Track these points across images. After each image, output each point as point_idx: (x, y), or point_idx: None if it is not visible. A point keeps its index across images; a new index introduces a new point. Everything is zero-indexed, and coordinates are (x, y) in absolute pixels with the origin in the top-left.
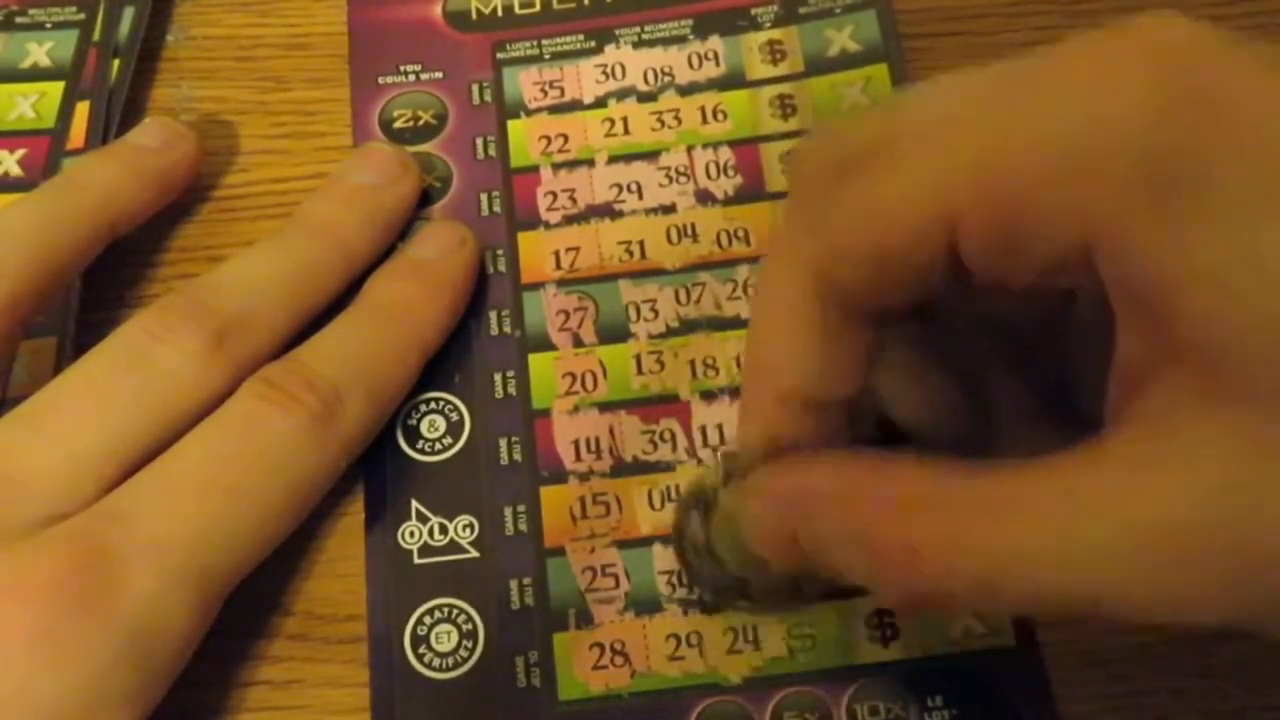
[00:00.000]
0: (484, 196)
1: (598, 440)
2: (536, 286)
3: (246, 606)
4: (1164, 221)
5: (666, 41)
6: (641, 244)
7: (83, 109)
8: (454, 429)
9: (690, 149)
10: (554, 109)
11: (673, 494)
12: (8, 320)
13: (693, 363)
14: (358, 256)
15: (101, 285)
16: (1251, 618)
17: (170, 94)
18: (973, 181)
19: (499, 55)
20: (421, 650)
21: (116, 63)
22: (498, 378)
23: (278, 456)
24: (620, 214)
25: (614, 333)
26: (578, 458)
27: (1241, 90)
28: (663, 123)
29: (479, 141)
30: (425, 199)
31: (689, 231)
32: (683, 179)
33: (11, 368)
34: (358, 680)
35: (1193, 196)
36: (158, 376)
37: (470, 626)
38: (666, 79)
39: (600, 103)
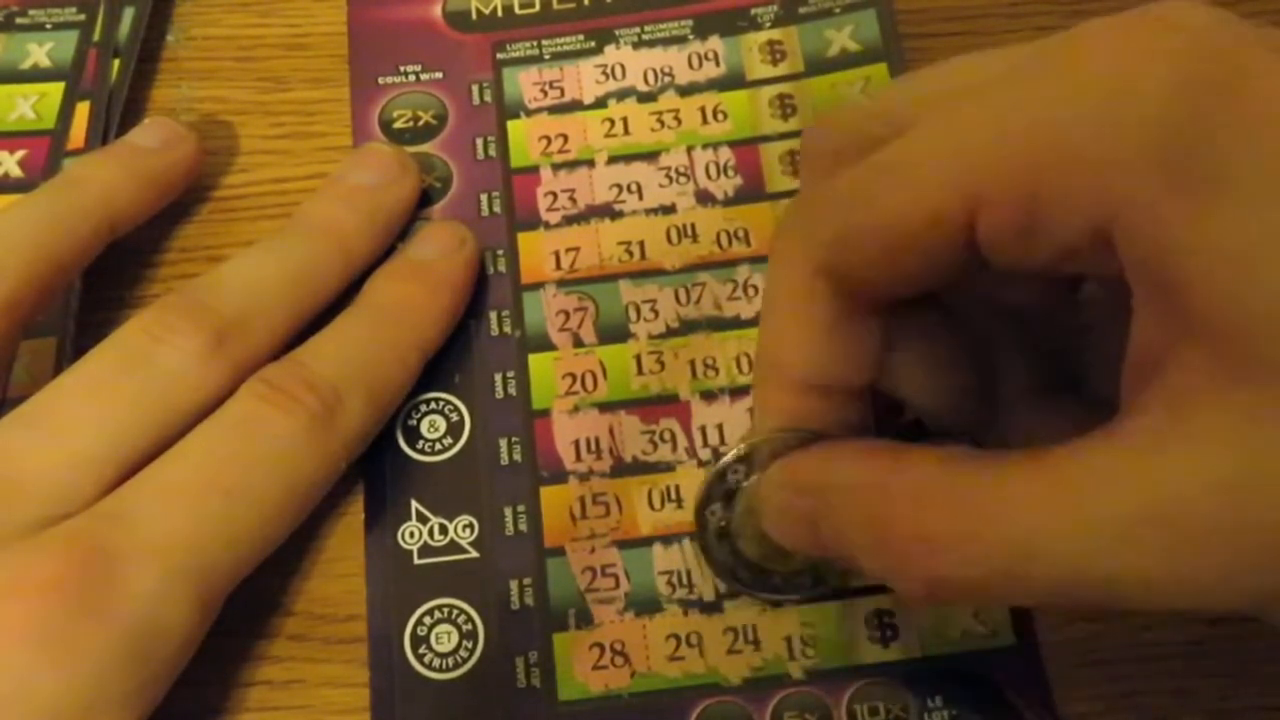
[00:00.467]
0: (484, 197)
1: (598, 440)
2: (536, 287)
3: (246, 606)
4: (1183, 202)
5: (666, 42)
6: (641, 244)
7: (83, 109)
8: (454, 429)
9: (690, 149)
10: (554, 109)
11: (673, 494)
12: (7, 320)
13: (693, 363)
14: (358, 256)
15: (101, 286)
16: (1267, 601)
17: (170, 94)
18: (992, 164)
19: (499, 55)
20: (421, 650)
21: (116, 63)
22: (498, 378)
23: (278, 457)
24: (620, 214)
25: (614, 333)
26: (578, 458)
27: (1261, 74)
28: (663, 123)
29: (479, 142)
30: (425, 199)
31: (689, 232)
32: (683, 179)
33: (11, 368)
34: (358, 680)
35: (1212, 178)
36: (158, 377)
37: (470, 627)
38: (666, 79)
39: (600, 103)
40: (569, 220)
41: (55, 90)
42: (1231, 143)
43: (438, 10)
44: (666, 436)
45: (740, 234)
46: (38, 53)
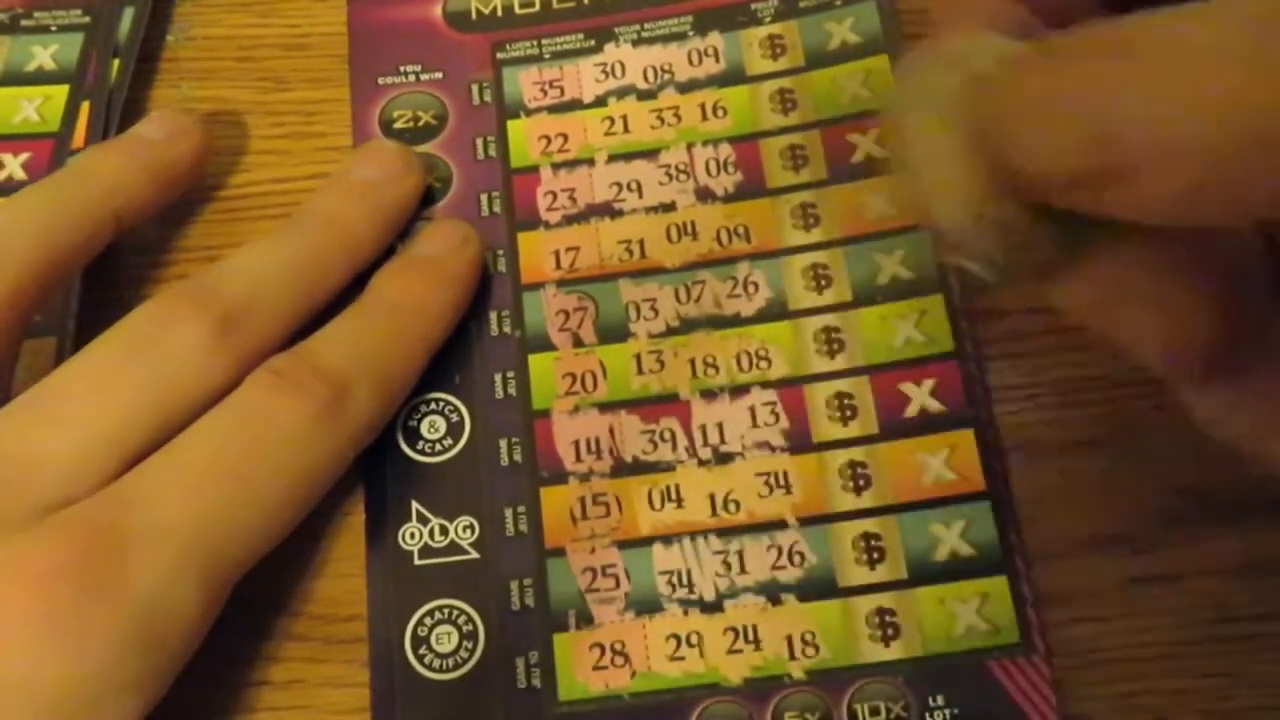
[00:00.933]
0: (484, 197)
1: (598, 440)
2: (536, 287)
3: (247, 606)
4: None
5: (666, 39)
6: (641, 243)
7: (84, 110)
8: (454, 430)
9: (690, 146)
10: (554, 108)
11: (673, 494)
12: (13, 312)
13: (693, 362)
14: (363, 249)
15: (102, 286)
16: None
17: (170, 94)
18: (1228, 122)
19: (499, 55)
20: (422, 651)
21: (116, 63)
22: (498, 378)
23: (286, 445)
24: (620, 213)
25: (614, 332)
26: (578, 458)
27: None
28: (662, 120)
29: (479, 142)
30: (427, 199)
31: (689, 229)
32: (682, 177)
33: (15, 363)
34: (358, 681)
35: None
36: (165, 363)
37: (470, 627)
38: (666, 76)
39: (600, 101)
40: (569, 220)
41: (60, 93)
42: None
43: (438, 10)
44: (667, 436)
45: (740, 231)
46: (42, 55)
